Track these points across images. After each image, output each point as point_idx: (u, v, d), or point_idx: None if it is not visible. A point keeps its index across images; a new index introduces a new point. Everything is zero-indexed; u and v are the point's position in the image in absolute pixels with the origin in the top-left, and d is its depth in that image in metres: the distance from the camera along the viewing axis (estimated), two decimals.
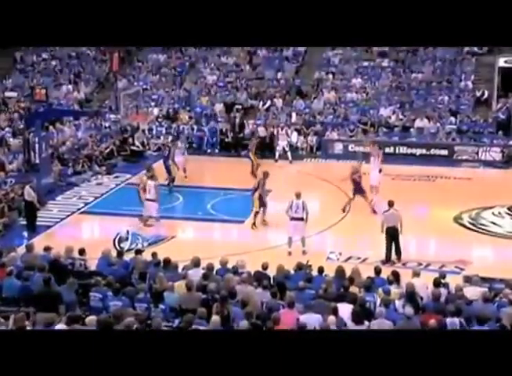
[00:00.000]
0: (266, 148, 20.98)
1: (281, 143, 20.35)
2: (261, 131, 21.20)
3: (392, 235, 12.04)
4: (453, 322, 7.55)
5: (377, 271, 9.64)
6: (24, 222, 14.07)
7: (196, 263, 9.75)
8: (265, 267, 9.73)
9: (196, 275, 9.30)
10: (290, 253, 12.40)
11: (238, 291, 8.49)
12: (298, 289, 8.78)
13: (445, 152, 20.18)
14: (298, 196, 12.59)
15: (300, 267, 9.88)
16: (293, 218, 12.46)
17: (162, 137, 21.14)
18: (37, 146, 16.79)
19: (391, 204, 12.23)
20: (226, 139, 21.29)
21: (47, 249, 10.40)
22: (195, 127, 21.86)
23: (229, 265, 9.84)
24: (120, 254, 10.73)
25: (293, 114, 22.54)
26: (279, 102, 23.26)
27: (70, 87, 24.76)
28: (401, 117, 21.97)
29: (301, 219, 12.46)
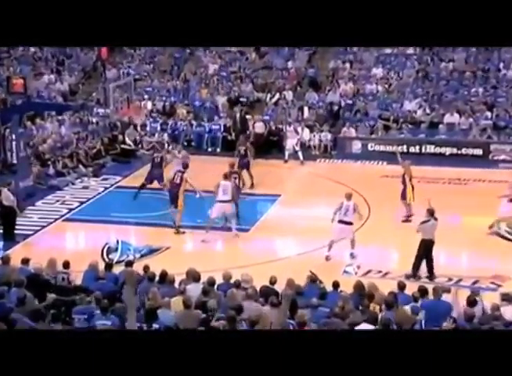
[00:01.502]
0: (273, 147, 21.09)
1: (290, 142, 20.38)
2: (259, 128, 21.20)
3: (428, 249, 11.97)
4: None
5: (401, 286, 9.64)
6: (0, 231, 14.15)
7: (195, 277, 9.79)
8: (272, 281, 9.77)
9: (195, 291, 9.34)
10: (327, 258, 12.66)
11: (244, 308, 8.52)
12: (311, 306, 8.79)
13: (479, 151, 20.14)
14: (349, 197, 12.84)
15: (313, 280, 9.94)
16: (341, 221, 12.70)
17: (157, 134, 21.26)
18: (14, 143, 16.92)
19: (431, 212, 12.07)
20: (229, 137, 21.34)
21: (25, 261, 10.45)
22: (194, 123, 21.96)
23: (233, 280, 9.88)
24: (108, 266, 10.79)
25: (306, 109, 22.62)
26: (288, 95, 23.30)
27: (52, 77, 24.87)
28: (428, 111, 21.99)
29: (350, 224, 12.74)
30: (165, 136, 21.06)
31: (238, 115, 21.66)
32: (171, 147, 19.20)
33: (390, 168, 18.31)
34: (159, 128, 21.60)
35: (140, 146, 20.59)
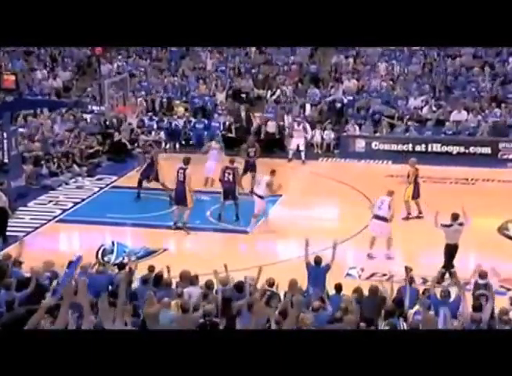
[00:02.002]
0: (275, 146, 21.09)
1: (295, 141, 20.36)
2: (271, 127, 21.26)
3: (451, 253, 12.08)
4: None
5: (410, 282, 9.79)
6: None
7: (191, 280, 9.82)
8: (271, 283, 9.83)
9: (192, 293, 9.38)
10: (369, 255, 12.99)
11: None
12: (312, 310, 8.85)
13: (487, 150, 20.17)
14: (390, 194, 13.22)
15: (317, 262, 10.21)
16: (375, 217, 13.04)
17: (153, 132, 21.26)
18: (5, 142, 16.95)
19: (455, 217, 12.17)
20: (229, 134, 21.27)
21: (18, 264, 10.48)
22: (192, 120, 21.89)
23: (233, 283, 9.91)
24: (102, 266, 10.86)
25: (308, 106, 22.60)
26: (290, 91, 23.24)
27: (45, 72, 24.79)
28: (434, 108, 21.91)
29: (384, 220, 12.96)
30: (162, 134, 21.13)
31: (243, 113, 21.66)
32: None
33: (395, 168, 18.37)
34: (155, 126, 21.60)
35: (136, 144, 20.65)
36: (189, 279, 9.80)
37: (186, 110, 22.63)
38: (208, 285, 9.63)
